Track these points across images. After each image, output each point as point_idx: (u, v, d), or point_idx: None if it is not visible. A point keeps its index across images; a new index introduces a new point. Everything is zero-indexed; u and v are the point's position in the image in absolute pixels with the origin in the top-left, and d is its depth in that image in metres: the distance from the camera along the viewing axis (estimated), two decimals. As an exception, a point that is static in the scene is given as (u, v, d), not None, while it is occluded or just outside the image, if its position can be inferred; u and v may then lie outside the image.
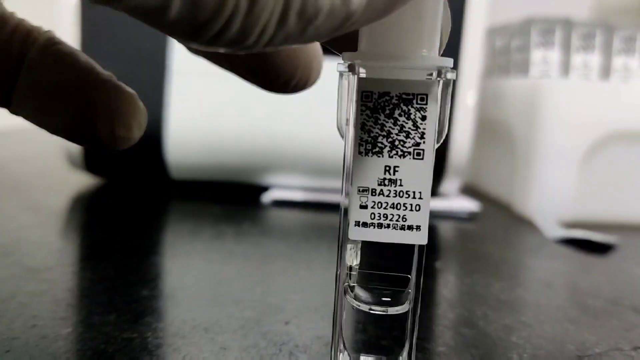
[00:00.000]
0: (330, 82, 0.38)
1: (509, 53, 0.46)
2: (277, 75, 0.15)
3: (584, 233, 0.33)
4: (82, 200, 0.38)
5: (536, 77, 0.41)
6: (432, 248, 0.31)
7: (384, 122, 0.13)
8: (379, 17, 0.10)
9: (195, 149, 0.39)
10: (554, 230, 0.33)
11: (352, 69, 0.12)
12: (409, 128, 0.13)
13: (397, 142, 0.13)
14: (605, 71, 0.42)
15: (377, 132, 0.13)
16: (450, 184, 0.40)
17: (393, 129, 0.13)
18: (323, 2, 0.09)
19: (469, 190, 0.45)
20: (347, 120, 0.13)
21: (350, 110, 0.13)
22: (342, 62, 0.13)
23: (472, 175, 0.46)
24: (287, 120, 0.39)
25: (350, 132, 0.13)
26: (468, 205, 0.38)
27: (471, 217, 0.38)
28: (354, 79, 0.13)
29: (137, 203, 0.38)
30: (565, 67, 0.42)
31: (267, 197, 0.38)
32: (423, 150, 0.13)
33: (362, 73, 0.12)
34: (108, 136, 0.14)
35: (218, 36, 0.09)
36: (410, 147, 0.13)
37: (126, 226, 0.32)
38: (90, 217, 0.35)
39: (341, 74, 0.13)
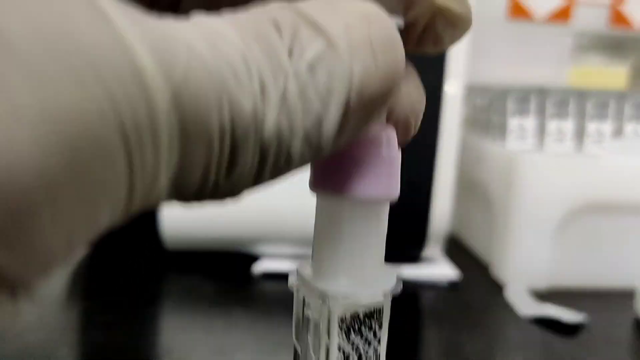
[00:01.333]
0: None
1: (488, 111, 0.49)
2: None
3: (554, 311, 0.35)
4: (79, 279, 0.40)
5: (513, 144, 0.43)
6: (399, 326, 0.33)
7: (354, 340, 0.14)
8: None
9: (189, 221, 0.41)
10: (526, 307, 0.35)
11: (324, 296, 0.14)
12: (371, 338, 0.15)
13: (362, 353, 0.15)
14: (579, 136, 0.44)
15: (349, 350, 0.15)
16: (432, 249, 0.42)
17: (360, 342, 0.15)
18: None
19: (452, 242, 0.46)
20: (311, 338, 0.15)
21: (320, 332, 0.15)
22: (298, 281, 0.14)
23: (455, 227, 0.48)
24: (275, 193, 0.40)
25: (322, 351, 0.15)
26: (448, 273, 0.40)
27: (451, 286, 0.40)
28: (326, 307, 0.14)
29: (132, 274, 0.39)
30: (541, 133, 0.44)
31: (257, 269, 0.40)
32: (380, 354, 0.15)
33: (338, 302, 0.14)
34: None
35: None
36: (371, 354, 0.15)
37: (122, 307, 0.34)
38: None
39: (297, 289, 0.15)
